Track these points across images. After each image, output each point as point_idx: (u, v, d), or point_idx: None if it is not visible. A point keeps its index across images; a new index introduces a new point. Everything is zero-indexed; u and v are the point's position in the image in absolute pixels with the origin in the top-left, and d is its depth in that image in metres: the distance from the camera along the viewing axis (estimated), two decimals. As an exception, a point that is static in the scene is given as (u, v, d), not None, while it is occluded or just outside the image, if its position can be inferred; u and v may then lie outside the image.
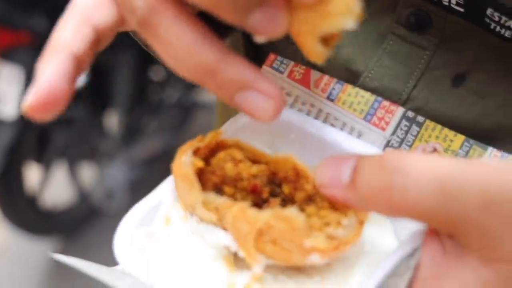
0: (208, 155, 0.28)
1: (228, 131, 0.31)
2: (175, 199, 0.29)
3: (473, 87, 0.33)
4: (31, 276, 1.79)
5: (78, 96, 1.56)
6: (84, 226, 1.87)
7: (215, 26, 0.30)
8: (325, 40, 0.23)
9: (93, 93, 1.61)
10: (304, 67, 0.34)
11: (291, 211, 0.24)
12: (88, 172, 1.85)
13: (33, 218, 1.64)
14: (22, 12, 1.39)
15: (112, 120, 1.75)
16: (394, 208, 0.22)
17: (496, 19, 0.30)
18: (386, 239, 0.29)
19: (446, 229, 0.23)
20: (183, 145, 0.28)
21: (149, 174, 1.87)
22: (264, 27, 0.22)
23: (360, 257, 0.27)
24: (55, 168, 1.71)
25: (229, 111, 0.51)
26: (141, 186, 1.78)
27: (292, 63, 0.34)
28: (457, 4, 0.31)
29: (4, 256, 1.84)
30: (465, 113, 0.33)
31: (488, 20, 0.31)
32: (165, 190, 0.30)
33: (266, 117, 0.25)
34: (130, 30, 0.28)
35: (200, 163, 0.27)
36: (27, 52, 1.38)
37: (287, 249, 0.24)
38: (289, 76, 0.34)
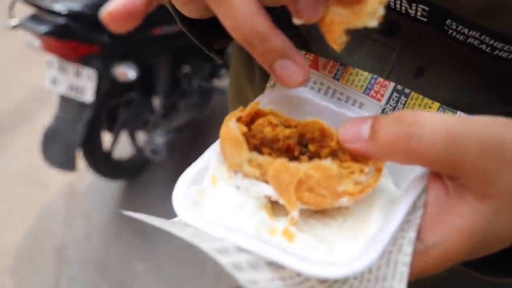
0: (249, 122, 0.29)
1: (261, 102, 0.30)
2: (219, 162, 0.29)
3: (430, 79, 0.34)
4: (107, 205, 2.13)
5: (133, 85, 1.83)
6: (139, 171, 2.20)
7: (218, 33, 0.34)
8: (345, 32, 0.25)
9: (143, 83, 1.83)
10: (313, 54, 0.34)
11: (327, 162, 0.25)
12: (141, 136, 2.12)
13: (107, 166, 1.95)
14: (95, 31, 1.58)
15: (156, 101, 1.97)
16: (411, 155, 0.24)
17: (454, 27, 0.31)
18: (390, 187, 0.29)
19: (449, 172, 0.24)
20: (228, 115, 0.28)
21: (180, 138, 2.10)
22: (306, 11, 0.25)
23: (372, 201, 0.28)
24: (121, 134, 1.99)
25: (238, 95, 0.54)
26: (175, 146, 2.05)
27: (303, 51, 0.34)
28: (422, 15, 0.32)
29: (89, 191, 2.20)
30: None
31: (446, 28, 0.31)
32: (210, 156, 0.29)
33: (296, 83, 0.26)
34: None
35: (244, 128, 0.27)
36: (98, 59, 1.62)
37: (322, 194, 0.25)
38: None
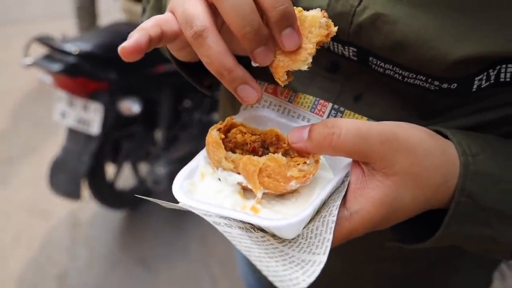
0: (226, 131, 0.37)
1: (236, 119, 0.39)
2: (206, 163, 0.37)
3: (366, 102, 0.41)
4: (109, 234, 2.15)
5: (136, 118, 1.91)
6: (141, 201, 2.23)
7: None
8: (287, 73, 0.34)
9: (146, 116, 1.91)
10: (273, 85, 0.42)
11: (279, 155, 0.33)
12: (143, 167, 2.22)
13: (111, 196, 2.01)
14: (103, 69, 1.69)
15: (159, 134, 2.04)
16: (333, 149, 0.31)
17: (375, 62, 0.39)
18: (326, 173, 0.37)
19: (362, 160, 0.32)
20: (212, 126, 0.36)
21: (181, 168, 2.14)
22: (261, 58, 0.32)
23: (314, 185, 0.36)
24: (124, 165, 2.08)
25: (225, 117, 0.55)
26: (175, 176, 2.19)
27: (266, 83, 0.43)
28: (353, 55, 0.40)
29: (91, 220, 2.23)
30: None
31: (370, 63, 0.39)
32: (199, 158, 0.37)
33: (253, 100, 0.33)
34: (170, 45, 0.37)
35: (221, 135, 0.35)
36: (105, 94, 1.71)
37: (277, 179, 0.33)
38: (265, 90, 0.43)
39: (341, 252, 0.43)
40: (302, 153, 0.34)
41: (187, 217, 2.16)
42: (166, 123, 1.98)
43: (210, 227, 2.02)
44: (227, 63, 0.31)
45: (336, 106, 0.40)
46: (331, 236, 0.30)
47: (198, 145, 2.14)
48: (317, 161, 0.34)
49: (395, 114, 0.40)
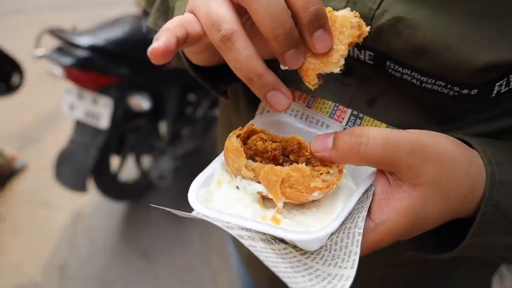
0: (245, 138, 0.36)
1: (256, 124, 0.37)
2: (223, 169, 0.36)
3: (380, 107, 0.40)
4: (111, 226, 2.16)
5: (143, 112, 1.91)
6: (143, 194, 2.27)
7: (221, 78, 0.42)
8: (318, 76, 0.32)
9: (152, 110, 1.92)
10: (290, 89, 0.40)
11: (303, 165, 0.32)
12: (146, 160, 2.22)
13: (114, 188, 2.03)
14: (114, 64, 1.70)
15: (163, 128, 2.06)
16: (360, 158, 0.31)
17: (392, 67, 0.38)
18: (350, 185, 0.36)
19: (388, 169, 0.31)
20: (231, 133, 0.35)
21: (185, 164, 2.11)
22: (291, 60, 0.32)
23: (337, 195, 0.35)
24: (128, 157, 2.08)
25: (226, 124, 0.63)
26: (180, 172, 2.09)
27: None
28: (369, 59, 0.39)
29: (93, 212, 2.23)
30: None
31: (387, 68, 0.38)
32: (215, 165, 0.36)
33: (283, 107, 0.32)
34: (193, 46, 0.34)
35: (241, 143, 0.34)
36: (115, 89, 1.72)
37: (299, 190, 0.32)
38: None
39: None
40: (325, 162, 0.34)
41: (187, 209, 2.16)
42: (172, 117, 1.99)
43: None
44: (257, 68, 0.30)
45: (355, 112, 0.40)
46: (358, 249, 0.30)
47: (202, 141, 2.15)
48: (341, 171, 0.33)
49: (410, 119, 0.40)
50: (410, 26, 0.35)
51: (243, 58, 0.29)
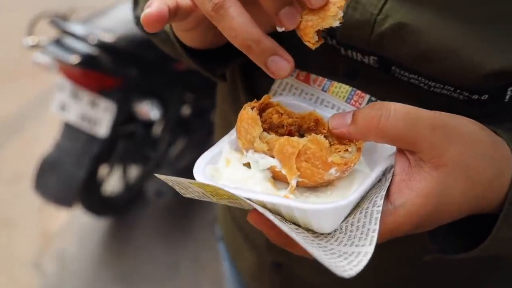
0: (261, 110, 0.35)
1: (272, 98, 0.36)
2: (232, 147, 0.35)
3: None
4: (84, 247, 1.92)
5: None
6: (126, 209, 2.02)
7: (221, 59, 0.42)
8: (317, 33, 0.31)
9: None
10: (305, 72, 0.40)
11: (321, 137, 0.31)
12: (133, 172, 1.99)
13: (96, 201, 1.77)
14: (119, 64, 1.54)
15: (157, 132, 1.86)
16: (379, 132, 0.30)
17: (398, 71, 0.38)
18: (365, 170, 0.35)
19: (409, 147, 0.30)
20: (246, 104, 0.34)
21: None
22: (287, 19, 0.31)
23: (352, 179, 0.34)
24: (115, 167, 1.87)
25: (223, 121, 0.61)
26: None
27: (298, 70, 0.40)
28: (373, 63, 0.38)
29: (64, 231, 1.95)
30: None
31: (392, 72, 0.38)
32: (223, 144, 0.36)
33: (285, 73, 0.31)
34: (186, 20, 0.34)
35: (257, 111, 0.33)
36: (119, 92, 1.54)
37: (315, 165, 0.31)
38: (296, 77, 0.41)
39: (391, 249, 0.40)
40: (343, 140, 0.33)
41: (177, 229, 2.00)
42: (170, 125, 1.82)
43: (203, 242, 1.89)
44: (254, 34, 0.29)
45: (373, 98, 0.39)
46: (377, 227, 0.29)
47: (201, 153, 2.01)
48: (359, 149, 0.32)
49: None
50: (414, 32, 0.34)
51: (239, 25, 0.29)
